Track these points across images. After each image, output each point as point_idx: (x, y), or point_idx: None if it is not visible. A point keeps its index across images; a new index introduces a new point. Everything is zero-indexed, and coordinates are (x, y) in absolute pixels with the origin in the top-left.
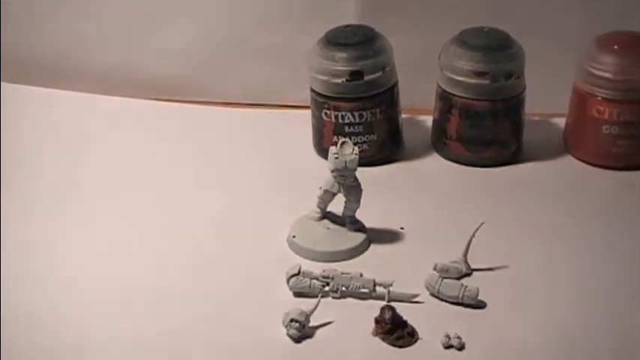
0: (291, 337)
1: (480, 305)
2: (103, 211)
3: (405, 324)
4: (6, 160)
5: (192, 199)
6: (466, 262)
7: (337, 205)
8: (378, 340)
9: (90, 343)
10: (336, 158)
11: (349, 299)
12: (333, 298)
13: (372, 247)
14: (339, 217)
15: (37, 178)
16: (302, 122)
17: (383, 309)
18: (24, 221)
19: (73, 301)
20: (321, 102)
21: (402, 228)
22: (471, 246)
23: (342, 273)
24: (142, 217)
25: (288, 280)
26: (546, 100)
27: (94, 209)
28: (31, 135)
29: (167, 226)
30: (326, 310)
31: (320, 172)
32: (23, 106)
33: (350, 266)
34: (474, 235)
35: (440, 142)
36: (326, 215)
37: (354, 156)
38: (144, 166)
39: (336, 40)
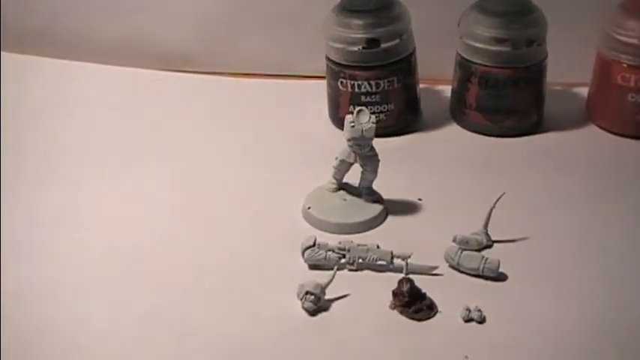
0: (306, 309)
1: (500, 278)
2: (116, 182)
3: (423, 296)
4: (15, 131)
5: (206, 170)
6: (487, 233)
7: (354, 177)
8: (395, 313)
9: (97, 316)
10: (353, 127)
11: (366, 272)
12: (350, 270)
13: (390, 218)
14: (355, 188)
15: (44, 149)
16: (318, 92)
17: (401, 281)
18: (31, 192)
19: (80, 274)
20: (337, 71)
21: (420, 199)
22: (492, 217)
23: (358, 245)
24: (155, 188)
25: (303, 253)
26: (568, 69)
27: (106, 180)
28: (41, 105)
29: (181, 197)
30: (342, 282)
31: (336, 142)
32: (33, 77)
33: (367, 238)
34: (494, 206)
35: (459, 111)
36: (342, 186)
37: (370, 124)
38: (157, 138)
39: (352, 6)
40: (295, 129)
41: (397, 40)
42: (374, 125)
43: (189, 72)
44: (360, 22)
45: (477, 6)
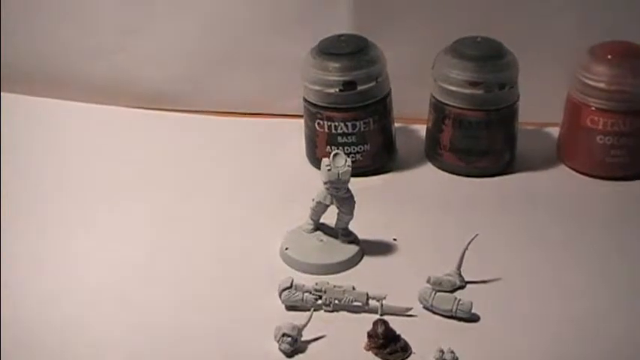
0: (283, 351)
1: (473, 319)
2: (92, 220)
3: (397, 338)
4: None
5: (184, 209)
6: (460, 274)
7: (331, 217)
8: (370, 354)
9: (78, 354)
10: (329, 170)
11: (342, 313)
12: (326, 311)
13: (366, 259)
14: (332, 228)
15: (26, 187)
16: (295, 131)
17: (375, 323)
18: (13, 230)
19: (61, 312)
20: (314, 112)
21: (395, 239)
22: (465, 258)
23: (334, 286)
24: (135, 228)
25: (280, 294)
26: (540, 110)
27: (84, 219)
28: (22, 143)
29: (159, 237)
30: (318, 323)
31: (313, 182)
32: (16, 115)
33: (343, 279)
34: (467, 248)
35: (433, 152)
36: (319, 227)
37: (346, 168)
38: (136, 176)
39: (329, 50)
40: (274, 168)
41: (373, 83)
42: (350, 168)
43: (170, 110)
44: (336, 64)
45: (451, 49)
